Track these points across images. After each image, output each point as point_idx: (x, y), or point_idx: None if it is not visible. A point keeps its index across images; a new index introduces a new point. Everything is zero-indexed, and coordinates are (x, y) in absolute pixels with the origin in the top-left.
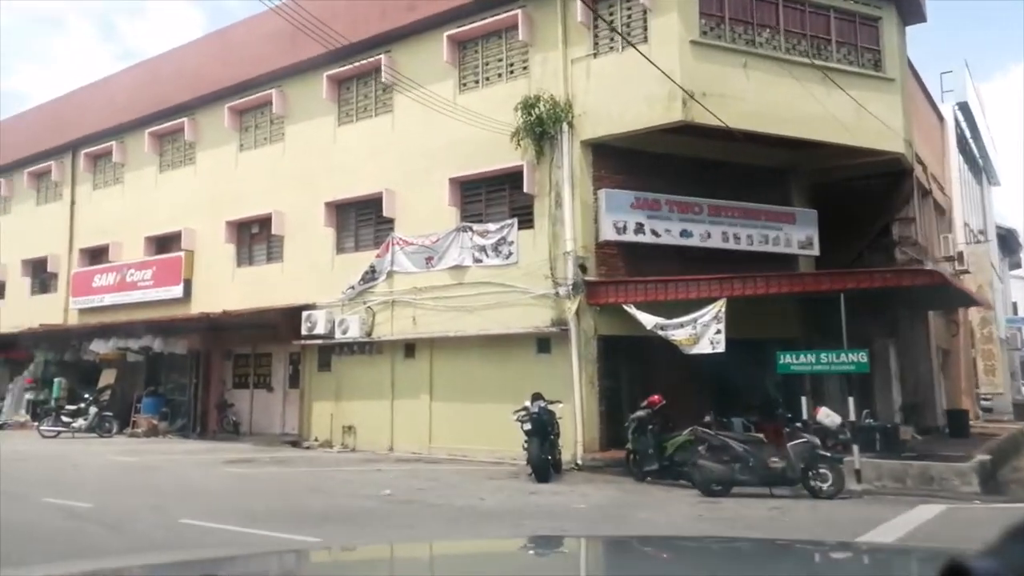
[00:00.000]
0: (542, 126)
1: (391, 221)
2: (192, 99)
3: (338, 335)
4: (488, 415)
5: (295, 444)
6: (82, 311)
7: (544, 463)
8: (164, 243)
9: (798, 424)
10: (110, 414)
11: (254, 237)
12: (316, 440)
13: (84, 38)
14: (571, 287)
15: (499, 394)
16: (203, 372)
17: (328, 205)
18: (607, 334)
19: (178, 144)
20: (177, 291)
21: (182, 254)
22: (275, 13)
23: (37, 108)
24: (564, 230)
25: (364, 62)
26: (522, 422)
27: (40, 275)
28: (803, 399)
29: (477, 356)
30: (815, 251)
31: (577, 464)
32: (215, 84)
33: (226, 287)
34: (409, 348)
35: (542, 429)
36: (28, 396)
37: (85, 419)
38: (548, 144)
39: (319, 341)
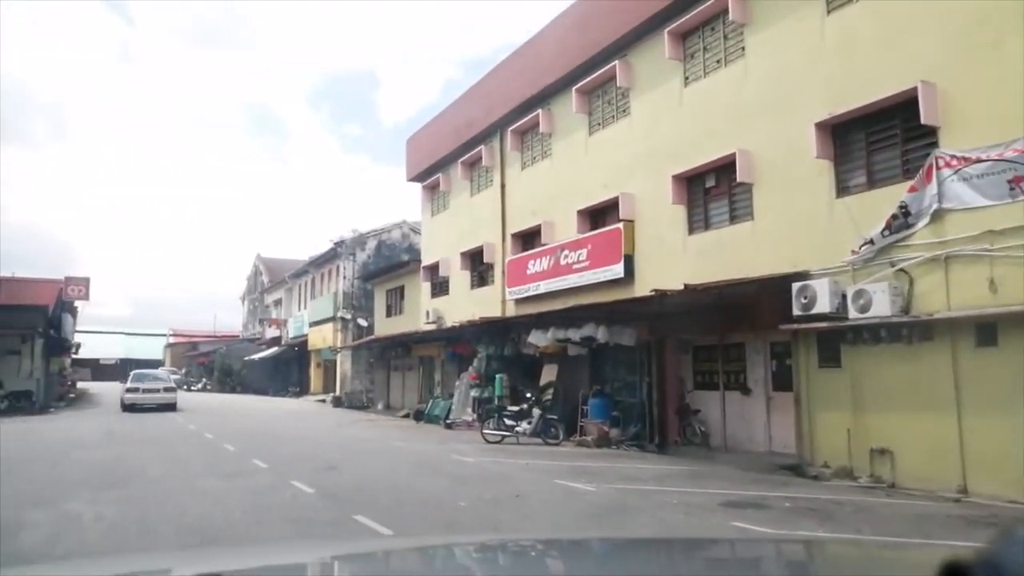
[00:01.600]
0: None
1: (932, 132)
2: (624, 34)
3: (852, 314)
4: None
5: (794, 470)
6: (518, 301)
7: None
8: (598, 216)
9: None
10: (555, 417)
11: (709, 192)
12: (826, 466)
13: None
14: None
15: None
16: (656, 368)
17: (820, 127)
18: None
19: (609, 96)
20: (617, 270)
21: (620, 225)
22: None
23: (468, 91)
24: None
25: None
26: None
27: (478, 267)
28: None
29: None
30: None
31: None
32: (652, 7)
33: (676, 260)
34: (985, 330)
35: None
36: (473, 393)
37: (529, 422)
38: None
39: (821, 324)
